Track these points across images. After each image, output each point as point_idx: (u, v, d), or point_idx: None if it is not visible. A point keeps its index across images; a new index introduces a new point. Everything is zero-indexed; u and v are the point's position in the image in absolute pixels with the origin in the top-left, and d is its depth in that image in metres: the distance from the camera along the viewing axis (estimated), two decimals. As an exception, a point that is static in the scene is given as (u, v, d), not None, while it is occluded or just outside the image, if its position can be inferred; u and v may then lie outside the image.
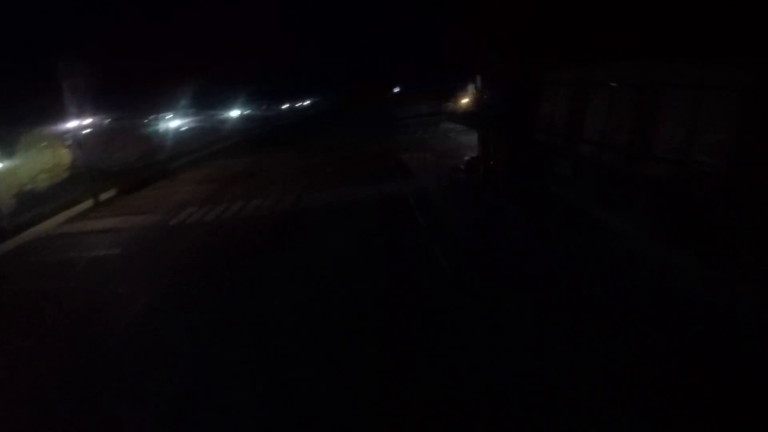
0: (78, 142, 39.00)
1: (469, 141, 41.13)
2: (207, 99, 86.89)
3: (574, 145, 19.68)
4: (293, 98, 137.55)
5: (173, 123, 70.45)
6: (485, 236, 17.50)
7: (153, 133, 65.51)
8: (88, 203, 31.89)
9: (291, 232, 21.03)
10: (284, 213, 24.16)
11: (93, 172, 35.73)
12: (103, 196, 33.56)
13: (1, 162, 31.82)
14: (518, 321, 11.23)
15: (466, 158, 31.32)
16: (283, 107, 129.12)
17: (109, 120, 59.60)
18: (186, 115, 79.21)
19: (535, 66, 21.88)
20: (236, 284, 15.81)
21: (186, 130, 74.03)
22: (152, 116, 76.00)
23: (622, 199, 16.50)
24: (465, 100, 75.56)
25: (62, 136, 38.21)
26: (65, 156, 36.28)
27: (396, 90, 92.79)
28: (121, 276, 17.87)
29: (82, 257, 20.59)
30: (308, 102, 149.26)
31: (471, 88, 70.56)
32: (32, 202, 30.05)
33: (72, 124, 39.14)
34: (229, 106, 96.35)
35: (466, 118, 51.33)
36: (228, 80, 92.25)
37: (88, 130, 50.72)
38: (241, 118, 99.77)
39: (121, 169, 42.99)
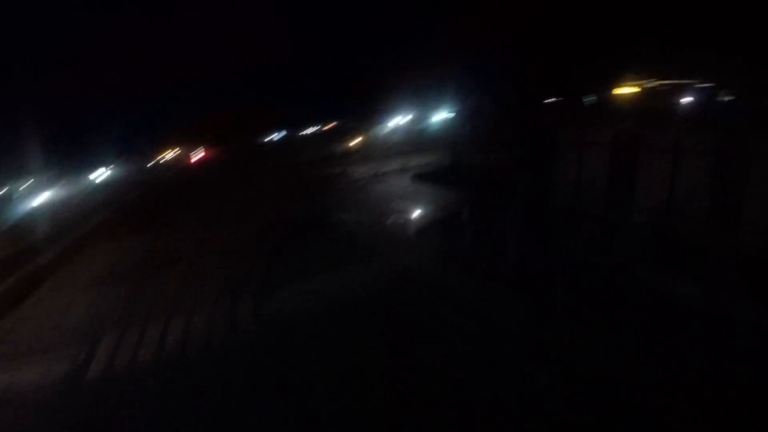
0: None
1: (383, 190, 36.25)
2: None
3: (616, 211, 17.13)
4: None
5: (37, 197, 58.01)
6: (593, 351, 12.00)
7: (10, 210, 53.52)
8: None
9: (284, 389, 13.06)
10: (254, 341, 16.17)
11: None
12: (-37, 320, 23.61)
13: None
14: None
15: (425, 217, 26.05)
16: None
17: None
18: (48, 181, 66.64)
19: (556, 122, 17.69)
20: None
21: (49, 201, 61.68)
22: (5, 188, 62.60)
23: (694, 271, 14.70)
24: (356, 141, 70.95)
25: None
26: None
27: (277, 136, 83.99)
28: None
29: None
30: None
31: (375, 127, 66.47)
32: None
33: None
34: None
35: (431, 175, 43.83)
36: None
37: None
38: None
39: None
